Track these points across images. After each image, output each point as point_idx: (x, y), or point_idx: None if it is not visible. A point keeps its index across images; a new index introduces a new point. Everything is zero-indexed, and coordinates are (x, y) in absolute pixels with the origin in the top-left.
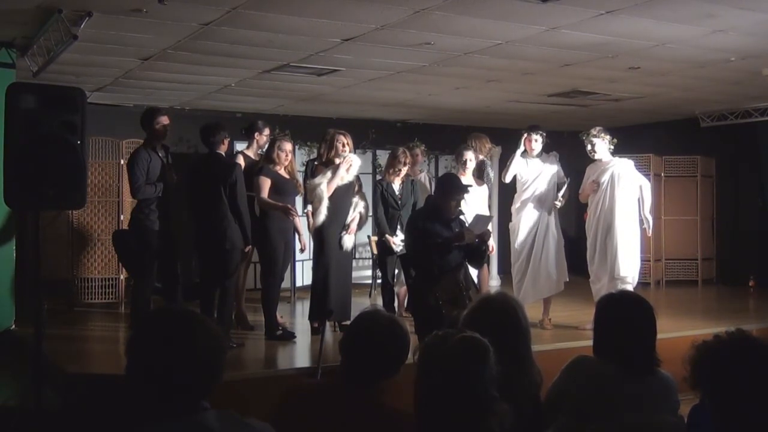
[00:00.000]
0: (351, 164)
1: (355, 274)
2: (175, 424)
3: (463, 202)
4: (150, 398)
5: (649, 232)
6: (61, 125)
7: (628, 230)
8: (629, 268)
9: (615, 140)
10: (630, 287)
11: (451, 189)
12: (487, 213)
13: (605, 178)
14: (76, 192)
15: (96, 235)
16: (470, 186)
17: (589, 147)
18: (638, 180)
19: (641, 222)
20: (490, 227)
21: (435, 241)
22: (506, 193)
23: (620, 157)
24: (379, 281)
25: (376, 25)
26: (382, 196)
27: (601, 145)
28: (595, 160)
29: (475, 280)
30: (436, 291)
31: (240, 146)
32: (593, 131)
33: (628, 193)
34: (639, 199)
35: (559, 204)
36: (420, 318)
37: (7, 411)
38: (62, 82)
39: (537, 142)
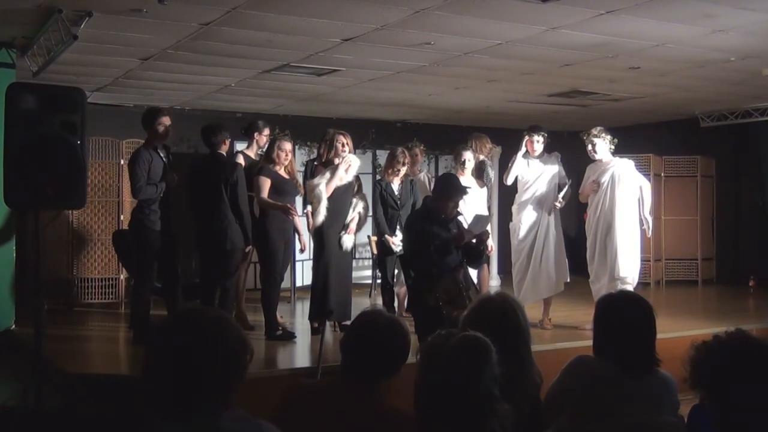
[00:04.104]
0: (350, 164)
1: (355, 274)
2: (190, 424)
3: (461, 203)
4: (167, 398)
5: (649, 233)
6: (61, 125)
7: (628, 230)
8: (629, 269)
9: (615, 140)
10: (630, 287)
11: (449, 190)
12: (486, 213)
13: (605, 178)
14: (76, 192)
15: (96, 235)
16: (469, 188)
17: (590, 147)
18: (638, 180)
19: (641, 222)
20: (489, 227)
21: (434, 242)
22: (506, 194)
23: (620, 157)
24: (379, 281)
25: (376, 25)
26: (381, 197)
27: (602, 145)
28: (596, 160)
29: (475, 280)
30: (435, 291)
31: (240, 146)
32: (594, 131)
33: (629, 193)
34: (639, 200)
35: (559, 205)
36: (420, 318)
37: (7, 411)
38: (62, 82)
39: (538, 143)
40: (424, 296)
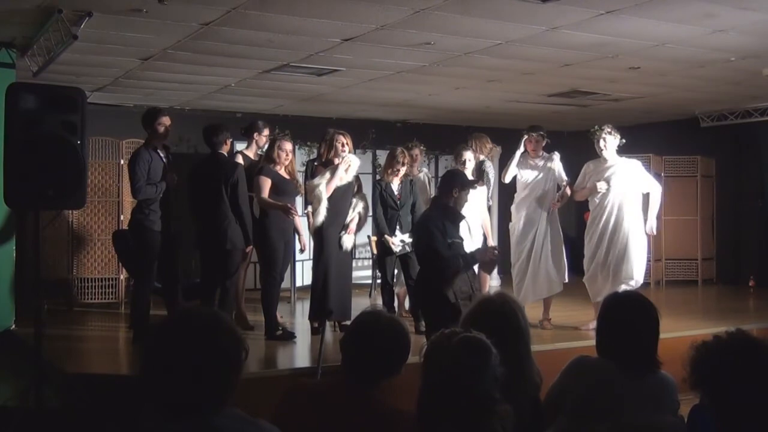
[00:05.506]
0: (350, 164)
1: (355, 274)
2: (188, 423)
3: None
4: (165, 397)
5: (654, 232)
6: (61, 125)
7: (635, 232)
8: (636, 270)
9: (623, 140)
10: (632, 288)
11: (462, 181)
12: (485, 213)
13: (614, 178)
14: (76, 192)
15: (96, 235)
16: (475, 180)
17: (602, 143)
18: (648, 183)
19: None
20: (490, 228)
21: (455, 241)
22: (506, 193)
23: (622, 157)
24: (379, 281)
25: (376, 25)
26: (381, 197)
27: (613, 143)
28: (600, 157)
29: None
30: (454, 288)
31: (240, 146)
32: (606, 128)
33: (636, 194)
34: (648, 199)
35: (558, 204)
36: (435, 315)
37: (7, 411)
38: (62, 82)
39: (538, 142)
40: (444, 292)
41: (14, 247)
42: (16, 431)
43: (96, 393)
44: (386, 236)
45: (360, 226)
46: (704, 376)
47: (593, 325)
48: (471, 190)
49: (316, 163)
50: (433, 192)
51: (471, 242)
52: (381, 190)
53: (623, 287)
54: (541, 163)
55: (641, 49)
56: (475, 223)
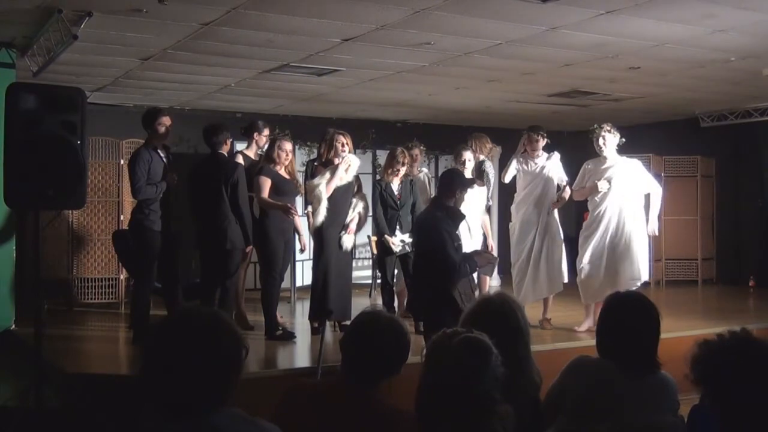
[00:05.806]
0: (350, 164)
1: (355, 274)
2: (188, 423)
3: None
4: (165, 397)
5: (656, 233)
6: (61, 125)
7: (637, 232)
8: (641, 270)
9: (623, 140)
10: (634, 287)
11: (462, 181)
12: (485, 213)
13: (615, 178)
14: (76, 192)
15: (96, 235)
16: (474, 180)
17: (601, 141)
18: (648, 183)
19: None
20: (489, 228)
21: (459, 243)
22: (506, 193)
23: (622, 157)
24: (379, 281)
25: (376, 25)
26: (381, 197)
27: (612, 142)
28: (599, 156)
29: (475, 279)
30: (459, 290)
31: (240, 146)
32: (606, 126)
33: (636, 194)
34: (648, 200)
35: (557, 205)
36: (438, 314)
37: (7, 411)
38: (62, 82)
39: (537, 142)
40: (451, 294)
41: (14, 247)
42: (16, 431)
43: (96, 393)
44: (386, 236)
45: (360, 226)
46: (706, 375)
47: (585, 327)
48: (470, 190)
49: (316, 163)
50: (433, 192)
51: (471, 242)
52: (381, 190)
53: (626, 288)
54: (540, 163)
55: (641, 49)
56: (475, 223)
